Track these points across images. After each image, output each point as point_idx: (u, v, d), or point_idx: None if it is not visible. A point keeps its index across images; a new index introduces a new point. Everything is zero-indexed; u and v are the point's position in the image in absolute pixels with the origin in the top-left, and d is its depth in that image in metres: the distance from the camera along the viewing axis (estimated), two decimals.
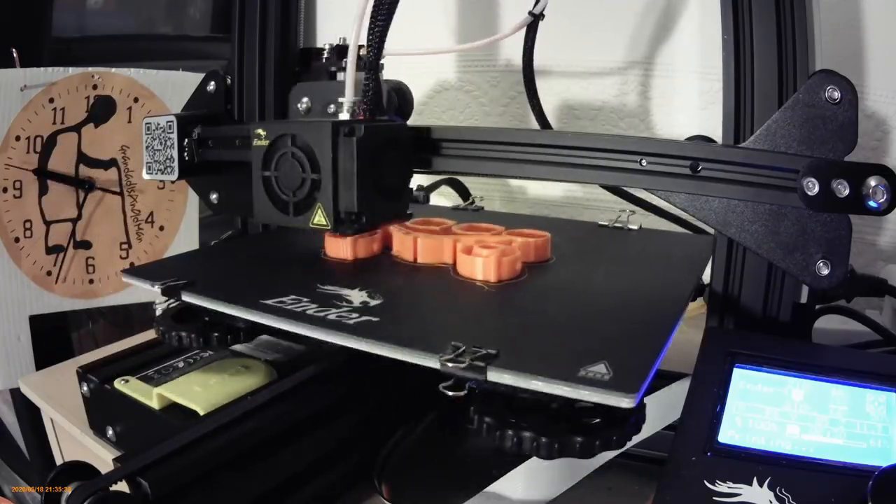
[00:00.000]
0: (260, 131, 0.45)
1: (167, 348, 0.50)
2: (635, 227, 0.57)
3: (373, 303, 0.38)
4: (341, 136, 0.41)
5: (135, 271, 0.45)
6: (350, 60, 0.45)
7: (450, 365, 0.30)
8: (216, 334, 0.43)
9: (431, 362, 0.31)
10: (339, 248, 0.47)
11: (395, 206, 0.46)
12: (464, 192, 0.72)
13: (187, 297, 0.40)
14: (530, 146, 0.45)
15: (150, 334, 0.52)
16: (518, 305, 0.39)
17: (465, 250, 0.44)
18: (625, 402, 0.27)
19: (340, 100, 0.45)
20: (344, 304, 0.38)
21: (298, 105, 0.53)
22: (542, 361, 0.30)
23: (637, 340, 0.34)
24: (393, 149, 0.45)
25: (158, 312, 0.45)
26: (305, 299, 0.38)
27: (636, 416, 0.32)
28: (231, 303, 0.38)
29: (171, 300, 0.42)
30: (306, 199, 0.43)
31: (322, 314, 0.36)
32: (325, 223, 0.43)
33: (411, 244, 0.46)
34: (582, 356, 0.30)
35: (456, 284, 0.42)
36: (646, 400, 0.41)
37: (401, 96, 0.53)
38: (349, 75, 0.45)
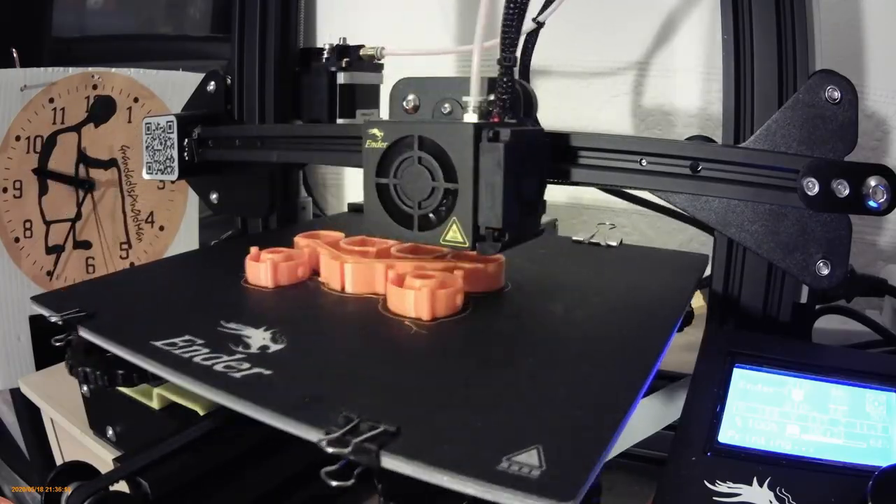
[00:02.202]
0: (375, 132, 0.38)
1: None
2: (615, 243, 0.51)
3: (273, 348, 0.34)
4: (484, 140, 0.35)
5: (42, 298, 0.42)
6: (475, 55, 0.39)
7: (329, 449, 0.25)
8: (120, 372, 0.38)
9: (313, 437, 0.26)
10: (259, 274, 0.43)
11: (533, 222, 0.40)
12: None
13: (83, 332, 0.37)
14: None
15: None
16: (447, 356, 0.34)
17: (396, 281, 0.39)
18: None
19: (465, 98, 0.39)
20: (240, 348, 0.33)
21: (404, 102, 0.45)
22: (455, 444, 0.25)
23: (592, 407, 0.28)
24: (533, 157, 0.38)
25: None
26: (199, 342, 0.34)
27: None
28: (120, 342, 0.35)
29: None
30: (436, 212, 0.37)
31: (209, 362, 0.32)
32: (461, 240, 0.36)
33: (338, 271, 0.42)
34: (511, 436, 0.25)
35: (382, 323, 0.37)
36: (646, 400, 0.41)
37: (526, 98, 0.46)
38: (474, 71, 0.39)
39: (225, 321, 0.37)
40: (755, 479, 0.29)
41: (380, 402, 0.28)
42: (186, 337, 0.35)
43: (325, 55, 0.58)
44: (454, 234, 0.36)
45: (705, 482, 0.29)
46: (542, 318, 0.38)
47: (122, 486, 0.33)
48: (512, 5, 0.38)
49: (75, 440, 0.51)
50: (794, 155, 0.37)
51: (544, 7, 0.55)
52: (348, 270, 0.41)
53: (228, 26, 0.64)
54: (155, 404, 0.43)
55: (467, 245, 0.36)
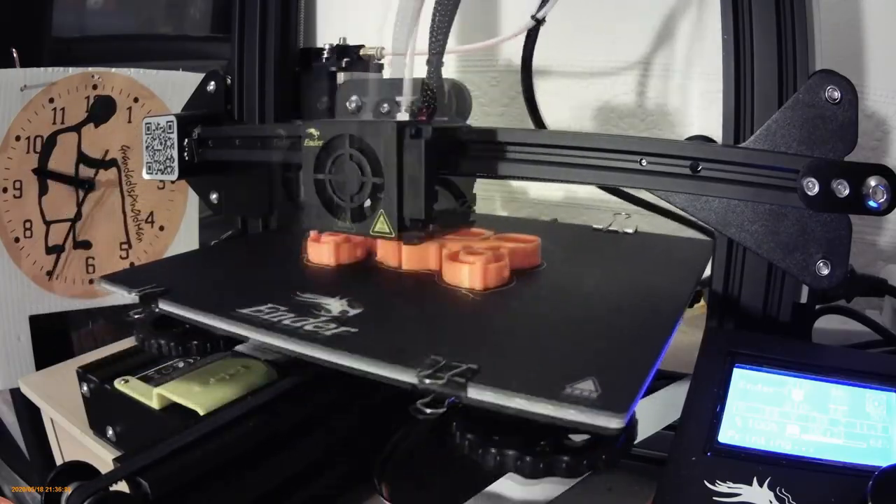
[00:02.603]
0: (313, 131, 0.42)
1: None
2: (631, 230, 0.55)
3: (352, 312, 0.37)
4: (407, 137, 0.39)
5: (114, 277, 0.44)
6: (408, 58, 0.42)
7: (427, 381, 0.29)
8: (195, 343, 0.41)
9: (409, 378, 0.30)
10: (322, 253, 0.46)
11: (458, 212, 0.45)
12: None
13: (164, 305, 0.39)
14: (530, 146, 0.44)
15: None
16: (504, 315, 0.38)
17: (451, 257, 0.42)
18: (613, 423, 0.26)
19: (398, 98, 0.43)
20: (322, 313, 0.36)
21: (348, 104, 0.50)
22: (525, 377, 0.29)
23: (628, 353, 0.32)
24: (457, 152, 0.43)
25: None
26: (283, 308, 0.37)
27: (626, 436, 0.30)
28: (206, 311, 0.37)
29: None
30: (365, 205, 0.41)
31: (297, 325, 0.35)
32: (387, 231, 0.41)
33: (395, 250, 0.45)
34: (569, 371, 0.29)
35: (440, 292, 0.41)
36: (646, 400, 0.41)
37: (459, 96, 0.50)
38: (407, 73, 0.43)
39: (300, 292, 0.40)
40: (755, 479, 0.29)
41: (458, 349, 0.32)
42: (269, 305, 0.37)
43: (325, 55, 0.58)
44: (381, 225, 0.41)
45: (705, 482, 0.29)
46: (576, 289, 0.42)
47: (122, 486, 0.33)
48: (439, 12, 0.42)
49: (75, 440, 0.51)
50: (794, 155, 0.37)
51: (542, 4, 0.55)
52: (405, 249, 0.44)
53: (228, 26, 0.64)
54: (155, 404, 0.43)
55: (393, 235, 0.41)
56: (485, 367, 0.29)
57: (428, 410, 0.28)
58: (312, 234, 0.47)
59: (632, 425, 0.31)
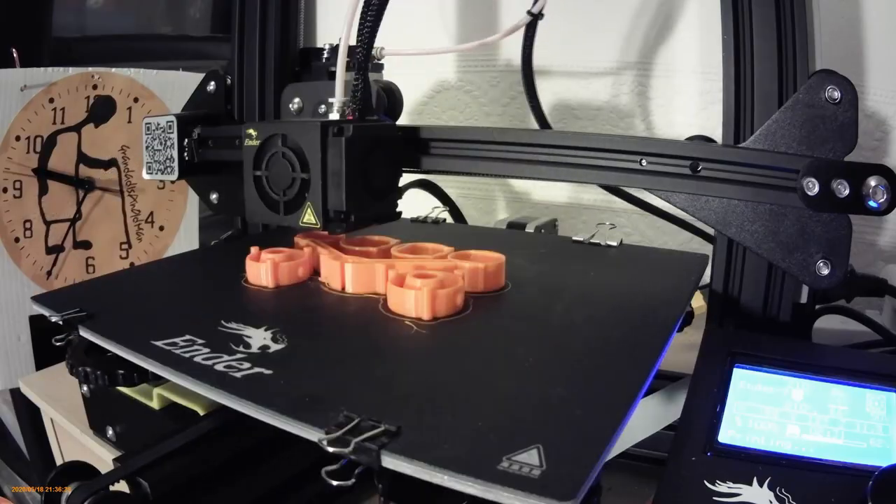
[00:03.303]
0: (251, 131, 0.45)
1: None
2: (615, 243, 0.50)
3: (273, 348, 0.34)
4: (330, 135, 0.42)
5: (43, 298, 0.42)
6: (340, 61, 0.45)
7: (330, 449, 0.25)
8: (121, 372, 0.39)
9: (313, 436, 0.26)
10: (259, 274, 0.43)
11: (384, 206, 0.46)
12: (441, 196, 0.69)
13: (83, 332, 0.38)
14: (529, 146, 0.45)
15: None
16: (448, 355, 0.33)
17: (397, 280, 0.39)
18: None
19: (330, 100, 0.46)
20: (241, 348, 0.34)
21: (290, 105, 0.54)
22: (456, 443, 0.25)
23: (590, 411, 0.27)
24: (381, 148, 0.45)
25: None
26: (199, 341, 0.35)
27: None
28: (120, 342, 0.35)
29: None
30: (296, 199, 0.43)
31: (209, 363, 0.32)
32: (314, 222, 0.43)
33: (339, 271, 0.42)
34: (512, 435, 0.25)
35: (381, 323, 0.37)
36: (646, 400, 0.41)
37: (390, 96, 0.54)
38: (339, 76, 0.45)
39: (225, 321, 0.37)
40: (755, 479, 0.29)
41: (380, 402, 0.28)
42: (187, 337, 0.35)
43: (325, 55, 0.58)
44: (309, 216, 0.43)
45: (705, 482, 0.29)
46: (542, 319, 0.38)
47: (122, 486, 0.33)
48: (366, 13, 0.44)
49: (75, 440, 0.51)
50: (794, 155, 0.37)
51: None
52: (349, 270, 0.41)
53: (228, 26, 0.64)
54: (155, 404, 0.43)
55: (319, 226, 0.42)
56: (408, 428, 0.25)
57: (333, 483, 0.25)
58: (253, 251, 0.45)
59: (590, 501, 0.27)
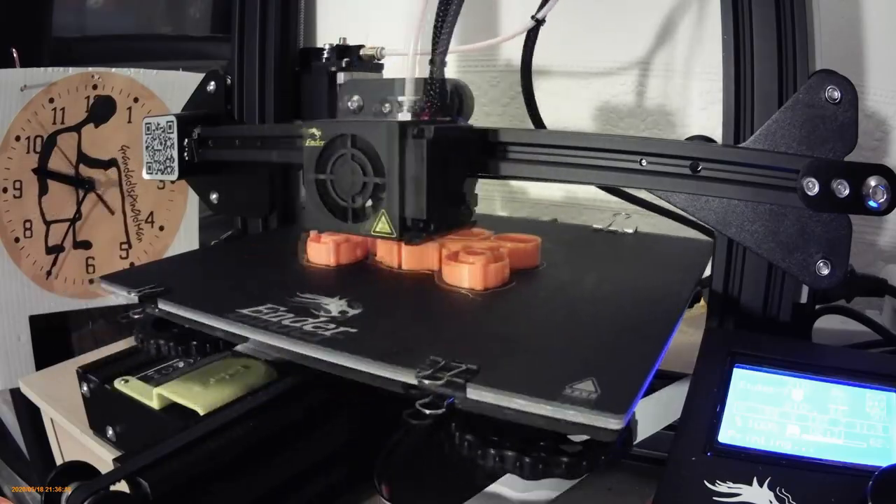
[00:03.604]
0: (314, 131, 0.41)
1: None
2: (630, 230, 0.55)
3: (351, 312, 0.37)
4: (409, 137, 0.39)
5: (113, 277, 0.44)
6: (411, 57, 0.42)
7: (426, 382, 0.29)
8: (194, 343, 0.41)
9: (407, 378, 0.30)
10: (321, 253, 0.46)
11: (460, 212, 0.44)
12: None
13: (163, 306, 0.39)
14: (528, 146, 0.44)
15: None
16: (504, 316, 0.38)
17: (451, 257, 0.42)
18: (612, 423, 0.26)
19: (401, 98, 0.42)
20: (321, 313, 0.37)
21: (349, 103, 0.49)
22: (525, 378, 0.29)
23: (628, 354, 0.32)
24: (459, 152, 0.42)
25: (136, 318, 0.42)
26: (282, 308, 0.37)
27: (625, 436, 0.29)
28: (205, 312, 0.37)
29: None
30: (367, 205, 0.40)
31: (297, 325, 0.35)
32: (388, 231, 0.40)
33: (395, 250, 0.45)
34: (569, 371, 0.29)
35: (440, 292, 0.41)
36: (646, 400, 0.41)
37: (461, 96, 0.50)
38: (409, 72, 0.42)
39: (300, 292, 0.40)
40: (755, 479, 0.29)
41: (458, 348, 0.32)
42: (268, 305, 0.37)
43: (325, 55, 0.58)
44: (383, 225, 0.40)
45: (705, 482, 0.29)
46: (575, 289, 0.42)
47: (122, 486, 0.33)
48: (443, 12, 0.42)
49: (75, 440, 0.51)
50: (794, 155, 0.37)
51: (542, 4, 0.55)
52: (405, 249, 0.44)
53: (228, 26, 0.64)
54: (155, 404, 0.43)
55: (394, 235, 0.40)
56: (484, 368, 0.29)
57: (427, 412, 0.28)
58: (312, 234, 0.47)
59: (631, 426, 0.30)
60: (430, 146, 0.38)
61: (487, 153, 0.44)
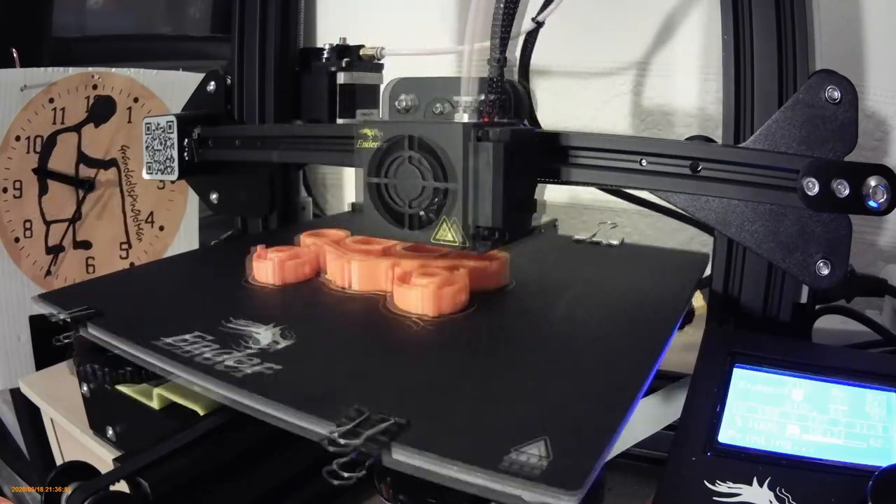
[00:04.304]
0: (369, 132, 0.39)
1: None
2: (616, 241, 0.51)
3: (281, 344, 0.34)
4: (474, 140, 0.36)
5: (48, 296, 0.42)
6: (466, 53, 0.39)
7: (341, 441, 0.25)
8: (128, 369, 0.39)
9: (322, 431, 0.26)
10: (265, 272, 0.43)
11: (525, 220, 0.40)
12: None
13: (91, 330, 0.37)
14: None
15: None
16: (454, 351, 0.34)
17: (401, 278, 0.39)
18: (563, 502, 0.22)
19: (457, 98, 0.39)
20: (249, 344, 0.34)
21: (397, 102, 0.47)
22: (464, 437, 0.25)
23: (596, 402, 0.28)
24: (527, 156, 0.39)
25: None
26: (208, 338, 0.34)
27: None
28: (128, 340, 0.35)
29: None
30: (427, 211, 0.37)
31: (218, 359, 0.32)
32: (452, 239, 0.37)
33: (344, 269, 0.42)
34: (519, 428, 0.25)
35: (387, 320, 0.37)
36: (646, 400, 0.41)
37: (519, 98, 0.47)
38: (466, 71, 0.39)
39: (233, 318, 0.37)
40: (755, 479, 0.29)
41: (388, 397, 0.28)
42: (195, 333, 0.35)
43: (325, 55, 0.58)
44: (445, 232, 0.37)
45: (705, 482, 0.29)
46: (545, 316, 0.38)
47: (122, 486, 0.33)
48: (504, 6, 0.39)
49: (75, 440, 0.51)
50: (794, 155, 0.37)
51: (544, 6, 0.55)
52: (354, 268, 0.42)
53: (228, 26, 0.64)
54: (155, 404, 0.43)
55: (458, 243, 0.37)
56: (417, 421, 0.26)
57: (345, 474, 0.25)
58: (257, 250, 0.44)
59: (594, 495, 0.27)
60: (497, 150, 0.36)
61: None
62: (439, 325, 0.36)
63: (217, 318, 0.37)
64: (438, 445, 0.24)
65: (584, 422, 0.26)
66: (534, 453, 0.23)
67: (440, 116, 0.45)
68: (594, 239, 0.52)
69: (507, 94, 0.41)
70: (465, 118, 0.38)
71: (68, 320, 0.38)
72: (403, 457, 0.24)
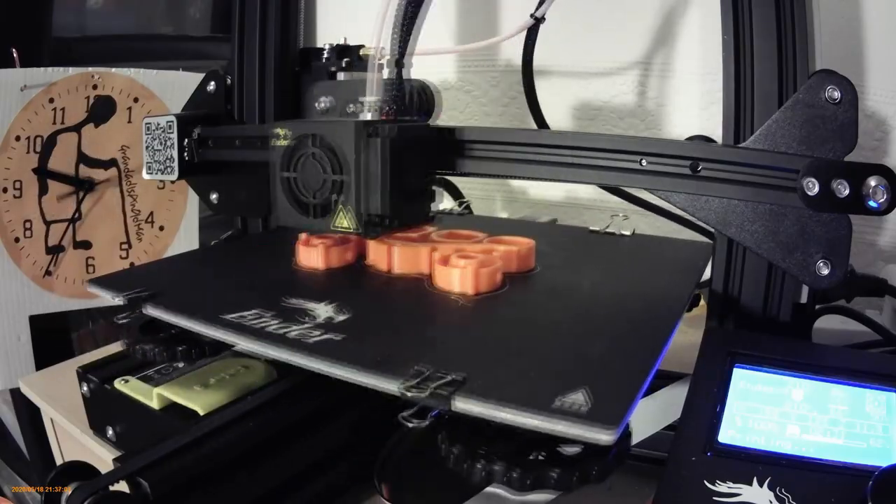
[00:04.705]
0: (280, 131, 0.44)
1: None
2: (628, 232, 0.54)
3: (339, 318, 0.36)
4: (366, 136, 0.41)
5: (102, 280, 0.43)
6: (372, 59, 0.44)
7: (409, 393, 0.28)
8: (181, 348, 0.41)
9: (392, 387, 0.29)
10: (311, 257, 0.46)
11: (419, 208, 0.45)
12: (455, 193, 0.69)
13: (150, 310, 0.39)
14: (530, 146, 0.44)
15: None
16: (495, 321, 0.37)
17: (442, 261, 0.42)
18: (604, 436, 0.25)
19: (362, 99, 0.44)
20: (308, 319, 0.36)
21: (317, 104, 0.52)
22: (514, 388, 0.28)
23: (623, 361, 0.32)
24: (416, 149, 0.43)
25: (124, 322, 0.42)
26: (268, 314, 0.37)
27: (618, 448, 0.29)
28: (191, 316, 0.37)
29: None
30: (328, 202, 0.42)
31: (282, 331, 0.34)
32: (348, 226, 0.42)
33: (386, 253, 0.44)
34: (560, 381, 0.28)
35: (430, 297, 0.40)
36: (646, 400, 0.41)
37: (425, 96, 0.52)
38: (371, 74, 0.44)
39: (288, 297, 0.40)
40: (755, 479, 0.29)
41: (446, 356, 0.31)
42: (255, 311, 0.37)
43: (325, 55, 0.58)
44: (342, 219, 0.42)
45: (705, 482, 0.29)
46: (571, 293, 0.41)
47: (122, 486, 0.33)
48: (405, 10, 0.43)
49: (75, 440, 0.51)
50: (794, 155, 0.37)
51: (541, 2, 0.55)
52: (396, 252, 0.44)
53: (228, 26, 0.64)
54: (155, 404, 0.43)
55: (353, 230, 0.42)
56: (472, 377, 0.29)
57: (412, 423, 0.28)
58: (302, 237, 0.47)
59: (625, 437, 0.30)
60: (387, 145, 0.40)
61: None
62: (478, 301, 0.39)
63: (272, 297, 0.39)
64: (494, 395, 0.27)
65: (616, 375, 0.30)
66: (576, 400, 0.27)
67: (351, 115, 0.50)
68: (608, 230, 0.55)
69: (403, 94, 0.45)
70: (369, 116, 0.44)
71: (125, 302, 0.39)
72: (464, 406, 0.27)
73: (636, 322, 0.37)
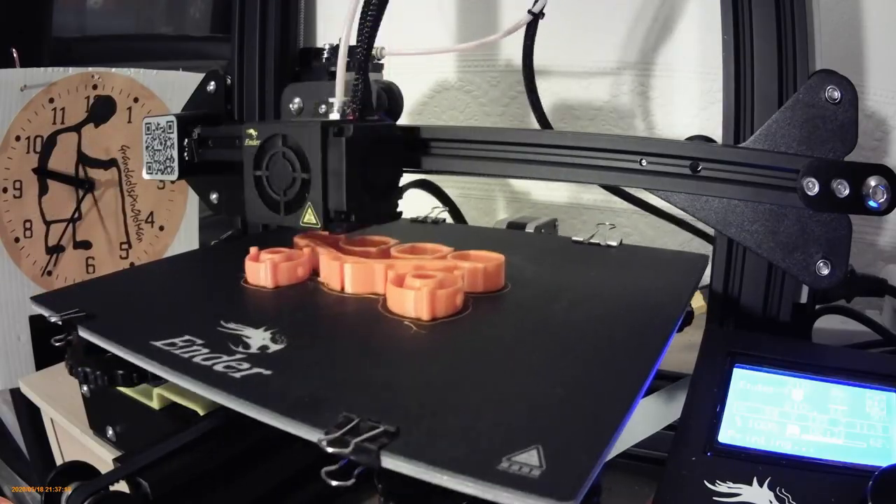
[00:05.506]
0: (251, 131, 0.45)
1: None
2: (614, 243, 0.50)
3: (273, 348, 0.34)
4: (330, 135, 0.42)
5: (43, 298, 0.42)
6: (340, 61, 0.45)
7: (329, 449, 0.25)
8: (121, 372, 0.38)
9: (312, 437, 0.26)
10: (258, 274, 0.43)
11: (384, 206, 0.46)
12: (441, 196, 0.69)
13: (82, 332, 0.37)
14: (530, 146, 0.45)
15: None
16: (447, 355, 0.33)
17: (396, 280, 0.38)
18: None
19: (331, 100, 0.46)
20: (240, 348, 0.34)
21: (290, 105, 0.54)
22: (454, 444, 0.24)
23: (590, 411, 0.27)
24: (382, 148, 0.45)
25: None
26: (199, 341, 0.34)
27: None
28: (120, 342, 0.35)
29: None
30: (297, 199, 0.43)
31: (210, 362, 0.32)
32: (315, 222, 0.43)
33: (338, 271, 0.42)
34: (512, 435, 0.24)
35: (380, 324, 0.37)
36: (646, 400, 0.41)
37: (391, 96, 0.54)
38: (339, 76, 0.45)
39: (225, 321, 0.37)
40: (755, 479, 0.29)
41: (379, 403, 0.28)
42: (186, 337, 0.35)
43: (325, 55, 0.58)
44: (309, 216, 0.43)
45: (705, 482, 0.29)
46: (542, 319, 0.38)
47: (122, 486, 0.33)
48: (369, 12, 0.44)
49: (75, 440, 0.51)
50: (794, 155, 0.37)
51: None
52: (348, 270, 0.41)
53: (228, 26, 0.64)
54: (155, 404, 0.43)
55: (319, 226, 0.43)
56: (407, 429, 0.25)
57: (333, 483, 0.25)
58: (252, 251, 0.45)
59: (591, 495, 0.26)
60: (348, 144, 0.42)
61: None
62: (434, 328, 0.36)
63: (210, 321, 0.37)
64: (429, 453, 0.24)
65: (578, 429, 0.26)
66: (527, 462, 0.23)
67: (321, 116, 0.51)
68: (592, 240, 0.51)
69: (368, 94, 0.46)
70: (337, 116, 0.45)
71: (60, 323, 0.38)
72: (394, 464, 0.24)
73: (613, 356, 0.33)
